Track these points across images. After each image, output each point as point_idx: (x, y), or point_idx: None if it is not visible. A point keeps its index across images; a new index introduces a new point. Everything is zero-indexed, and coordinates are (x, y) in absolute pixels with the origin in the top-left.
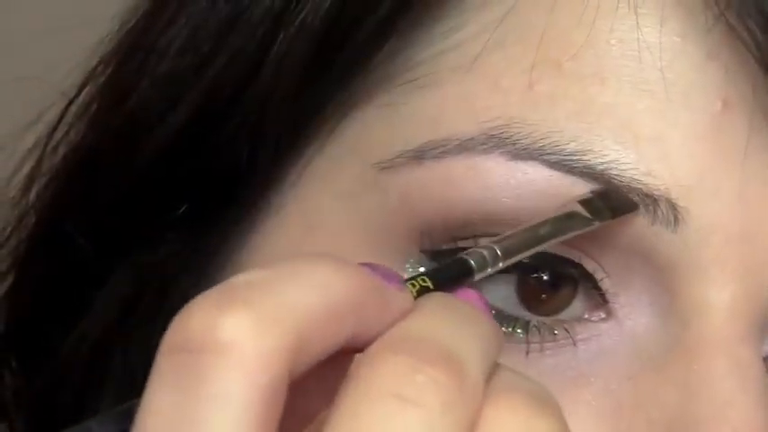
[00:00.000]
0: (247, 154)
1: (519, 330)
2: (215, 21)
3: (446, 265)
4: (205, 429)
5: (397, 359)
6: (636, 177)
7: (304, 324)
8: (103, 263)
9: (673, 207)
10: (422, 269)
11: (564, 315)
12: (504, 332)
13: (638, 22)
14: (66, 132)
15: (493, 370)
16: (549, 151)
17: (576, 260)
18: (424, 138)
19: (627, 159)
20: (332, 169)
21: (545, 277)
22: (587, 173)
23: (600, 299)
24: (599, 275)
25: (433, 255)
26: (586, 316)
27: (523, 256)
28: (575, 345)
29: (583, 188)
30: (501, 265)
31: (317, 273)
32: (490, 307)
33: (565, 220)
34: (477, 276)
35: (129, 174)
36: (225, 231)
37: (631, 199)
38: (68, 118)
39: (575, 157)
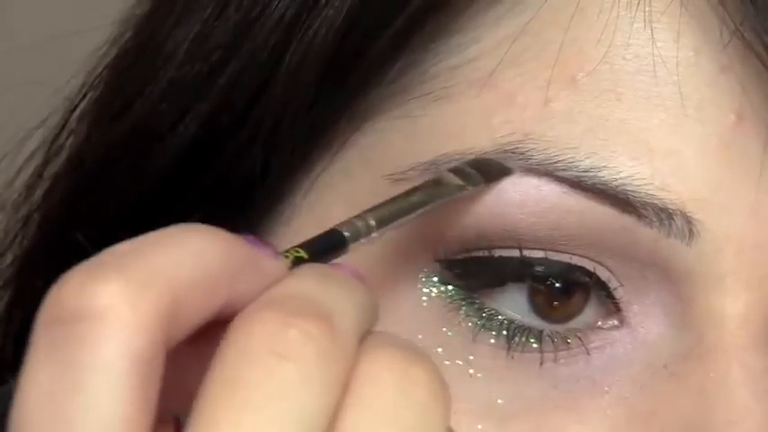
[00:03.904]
0: (260, 164)
1: (532, 340)
2: (224, 29)
3: (319, 237)
4: (83, 398)
5: (268, 316)
6: (651, 192)
7: (177, 289)
8: None
9: (688, 220)
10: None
11: (576, 323)
12: (518, 343)
13: (653, 37)
14: (68, 137)
15: (366, 334)
16: (563, 167)
17: (591, 269)
18: (439, 151)
19: (642, 175)
20: (345, 180)
21: (557, 284)
22: (602, 189)
23: (613, 306)
24: (613, 284)
25: (448, 264)
26: (599, 323)
27: (397, 224)
28: (588, 353)
29: (597, 205)
30: (374, 234)
31: (188, 239)
32: (362, 277)
33: (435, 187)
34: (351, 246)
35: (139, 182)
36: None
37: (505, 166)
38: (72, 123)
39: (590, 174)
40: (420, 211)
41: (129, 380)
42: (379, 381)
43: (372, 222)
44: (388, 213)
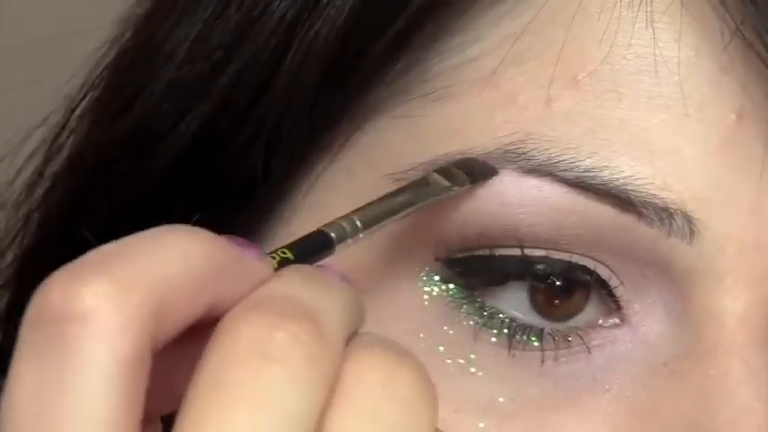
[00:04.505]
0: (260, 164)
1: (533, 339)
2: (225, 29)
3: (305, 238)
4: (69, 400)
5: (256, 318)
6: (652, 192)
7: (163, 290)
8: None
9: (688, 220)
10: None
11: (577, 321)
12: (519, 341)
13: (654, 37)
14: (68, 136)
15: (353, 336)
16: (564, 167)
17: (591, 268)
18: (440, 151)
19: (643, 174)
20: (346, 180)
21: (558, 283)
22: (603, 188)
23: (614, 305)
24: (613, 283)
25: (450, 263)
26: (600, 322)
27: (383, 225)
28: (589, 351)
29: (598, 205)
30: (361, 235)
31: (174, 240)
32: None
33: (421, 188)
34: (338, 247)
35: (139, 182)
36: None
37: (491, 166)
38: (73, 122)
39: (591, 174)
40: (407, 211)
41: (115, 381)
42: (365, 381)
43: (358, 223)
44: (374, 214)
